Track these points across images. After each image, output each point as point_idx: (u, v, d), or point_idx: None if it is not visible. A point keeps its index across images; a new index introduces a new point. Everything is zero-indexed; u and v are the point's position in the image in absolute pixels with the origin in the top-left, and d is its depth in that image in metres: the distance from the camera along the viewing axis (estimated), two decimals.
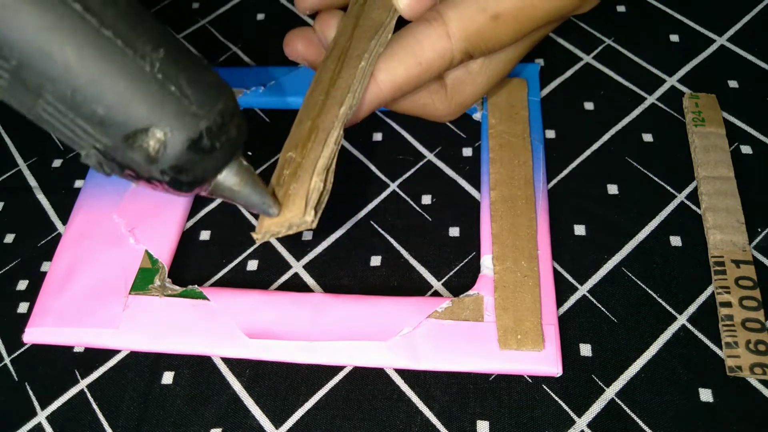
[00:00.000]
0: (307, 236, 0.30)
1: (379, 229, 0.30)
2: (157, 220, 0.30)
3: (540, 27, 0.23)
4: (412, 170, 0.32)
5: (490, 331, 0.26)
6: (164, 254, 0.29)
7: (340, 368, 0.27)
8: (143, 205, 0.30)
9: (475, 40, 0.21)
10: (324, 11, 0.24)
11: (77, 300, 0.28)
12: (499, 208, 0.29)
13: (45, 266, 0.30)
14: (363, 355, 0.26)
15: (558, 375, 0.25)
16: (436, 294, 0.28)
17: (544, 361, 0.25)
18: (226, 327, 0.27)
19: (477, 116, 0.33)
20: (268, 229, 0.20)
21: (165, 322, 0.27)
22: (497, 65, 0.24)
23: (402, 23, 0.22)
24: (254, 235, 0.20)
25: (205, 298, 0.27)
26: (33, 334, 0.27)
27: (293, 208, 0.19)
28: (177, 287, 0.28)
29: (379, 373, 0.26)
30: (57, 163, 0.34)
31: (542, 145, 0.31)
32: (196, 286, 0.28)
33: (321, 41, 0.24)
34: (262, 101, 0.34)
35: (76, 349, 0.28)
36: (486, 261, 0.28)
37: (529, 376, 0.26)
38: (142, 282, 0.28)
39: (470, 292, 0.27)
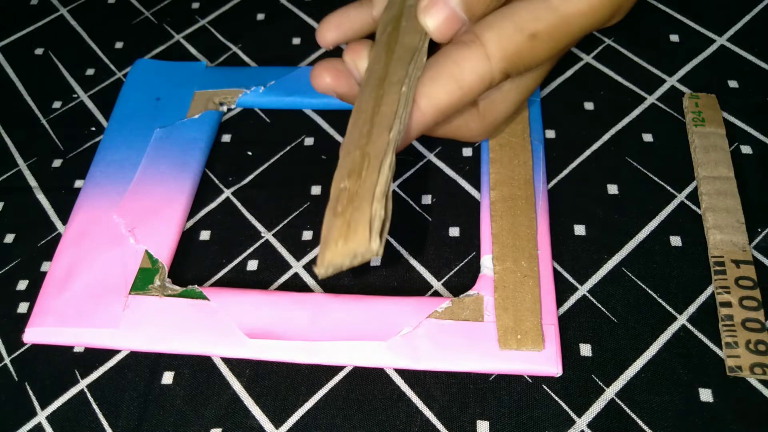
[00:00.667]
0: (307, 236, 0.30)
1: None
2: (157, 220, 0.30)
3: (573, 42, 0.23)
4: (412, 170, 0.32)
5: (490, 331, 0.26)
6: (164, 254, 0.29)
7: (340, 368, 0.27)
8: (143, 205, 0.30)
9: (513, 60, 0.21)
10: (353, 42, 0.24)
11: (77, 300, 0.28)
12: (499, 208, 0.29)
13: (45, 266, 0.30)
14: (363, 355, 0.26)
15: (558, 375, 0.25)
16: (436, 294, 0.28)
17: (544, 361, 0.25)
18: (226, 327, 0.27)
19: None
20: (332, 261, 0.19)
21: (165, 322, 0.27)
22: (527, 81, 0.24)
23: (433, 47, 0.22)
24: (317, 270, 0.19)
25: (205, 298, 0.27)
26: (33, 334, 0.27)
27: (356, 238, 0.19)
28: (177, 287, 0.28)
29: (379, 373, 0.26)
30: (57, 163, 0.34)
31: (542, 145, 0.31)
32: (196, 286, 0.28)
33: (351, 72, 0.24)
34: (262, 101, 0.34)
35: (76, 349, 0.28)
36: (486, 261, 0.28)
37: (529, 376, 0.26)
38: (142, 282, 0.28)
39: (470, 292, 0.27)
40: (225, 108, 0.35)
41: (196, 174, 0.32)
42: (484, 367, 0.25)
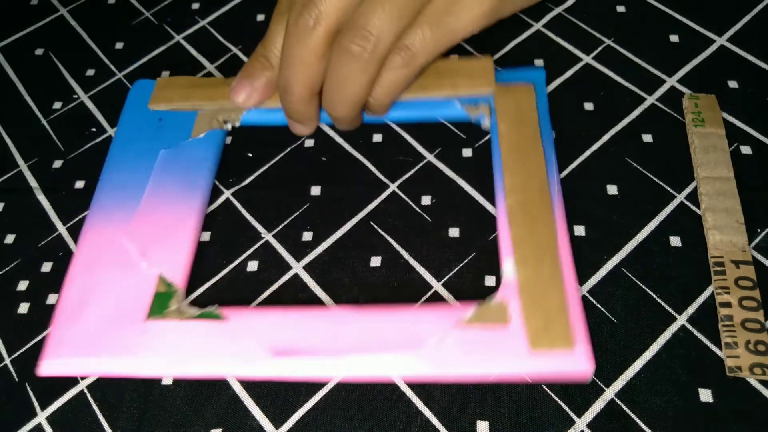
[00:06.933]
0: (307, 237, 0.30)
1: (379, 230, 0.30)
2: (169, 242, 0.29)
3: None
4: (412, 171, 0.32)
5: (519, 334, 0.25)
6: (179, 277, 0.28)
7: None
8: (153, 227, 0.29)
9: None
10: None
11: (93, 329, 0.27)
12: (516, 213, 0.28)
13: (46, 267, 0.30)
14: (391, 367, 0.25)
15: (591, 372, 0.24)
16: (436, 294, 0.28)
17: (575, 359, 0.24)
18: (247, 348, 0.26)
19: (486, 124, 0.32)
20: None
21: (184, 346, 0.26)
22: None
23: None
24: None
25: (223, 318, 0.27)
26: (49, 367, 0.26)
27: None
28: (194, 310, 0.27)
29: None
30: (57, 163, 0.34)
31: (553, 150, 0.30)
32: (215, 306, 0.27)
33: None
34: (266, 118, 0.33)
35: None
36: (507, 266, 0.27)
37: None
38: (159, 306, 0.27)
39: (495, 297, 0.26)
40: (229, 126, 0.34)
41: (204, 192, 0.31)
42: (516, 370, 0.25)
